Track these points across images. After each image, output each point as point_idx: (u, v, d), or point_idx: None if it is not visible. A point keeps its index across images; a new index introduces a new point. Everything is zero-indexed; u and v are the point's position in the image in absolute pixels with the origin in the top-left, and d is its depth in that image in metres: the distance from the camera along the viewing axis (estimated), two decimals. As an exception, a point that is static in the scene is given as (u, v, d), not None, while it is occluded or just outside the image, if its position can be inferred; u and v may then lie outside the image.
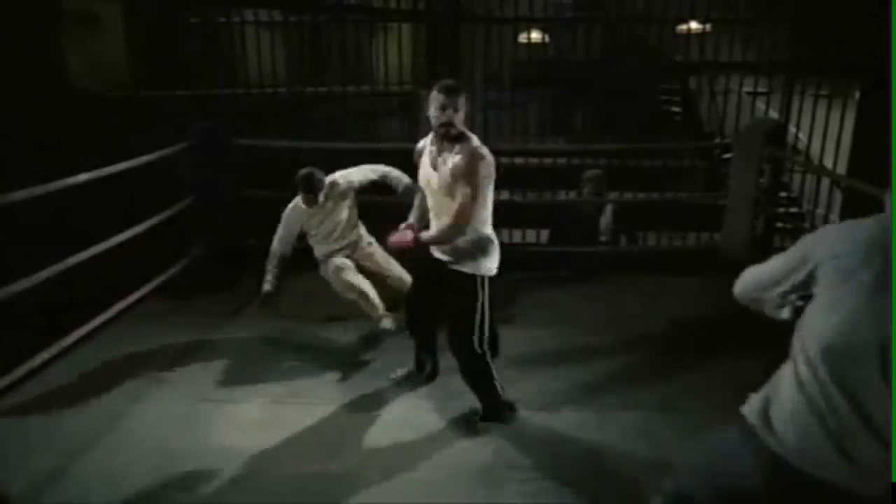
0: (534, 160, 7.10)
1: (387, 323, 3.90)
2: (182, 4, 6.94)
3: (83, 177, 3.71)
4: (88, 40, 8.07)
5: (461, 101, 2.88)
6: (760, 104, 7.11)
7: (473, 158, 2.86)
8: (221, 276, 4.42)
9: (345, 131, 7.22)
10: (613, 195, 5.78)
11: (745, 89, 6.32)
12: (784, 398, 1.62)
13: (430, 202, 3.10)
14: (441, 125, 2.89)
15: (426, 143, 3.09)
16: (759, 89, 6.90)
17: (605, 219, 5.57)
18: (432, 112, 2.90)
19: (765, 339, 4.45)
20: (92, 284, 4.05)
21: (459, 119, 2.90)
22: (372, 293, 3.94)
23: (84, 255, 3.75)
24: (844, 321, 1.46)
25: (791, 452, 1.55)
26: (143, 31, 8.21)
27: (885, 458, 1.46)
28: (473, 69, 7.22)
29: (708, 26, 6.91)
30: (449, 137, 2.92)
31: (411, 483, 2.83)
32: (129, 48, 8.54)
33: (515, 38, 7.38)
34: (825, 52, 6.06)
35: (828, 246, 1.54)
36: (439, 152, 2.98)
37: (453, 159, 2.90)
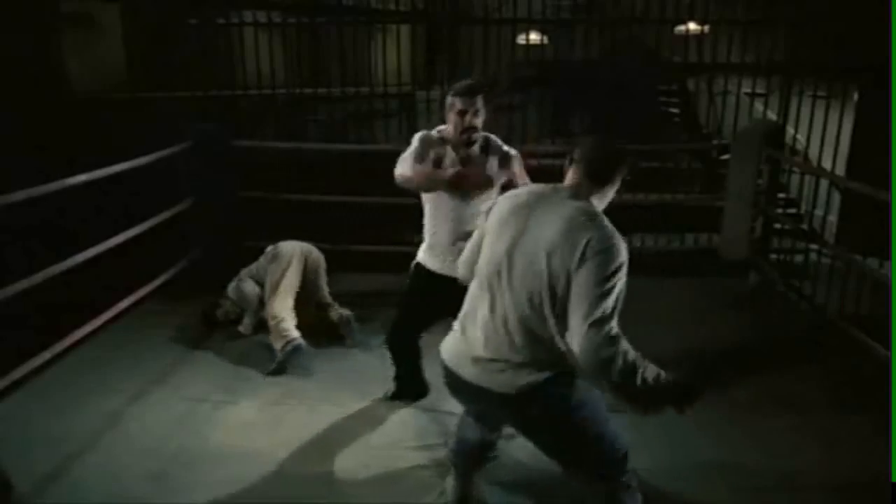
0: (532, 161, 7.09)
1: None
2: (181, 6, 6.94)
3: (83, 178, 3.71)
4: (88, 42, 8.09)
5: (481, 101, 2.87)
6: (759, 105, 7.13)
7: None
8: (221, 277, 4.42)
9: (344, 132, 7.23)
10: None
11: (744, 90, 6.33)
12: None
13: (453, 204, 2.98)
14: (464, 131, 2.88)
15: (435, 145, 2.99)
16: (758, 90, 6.91)
17: None
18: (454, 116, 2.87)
19: (763, 339, 4.47)
20: (92, 285, 4.05)
21: (481, 122, 2.91)
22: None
23: (84, 255, 3.74)
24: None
25: (450, 359, 2.15)
26: (143, 32, 8.22)
27: (501, 361, 2.01)
28: (472, 70, 7.23)
29: (706, 27, 6.92)
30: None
31: (411, 483, 2.84)
32: (129, 49, 8.56)
33: (514, 39, 7.39)
34: (823, 53, 6.07)
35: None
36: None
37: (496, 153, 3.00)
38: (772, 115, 6.80)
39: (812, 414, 3.38)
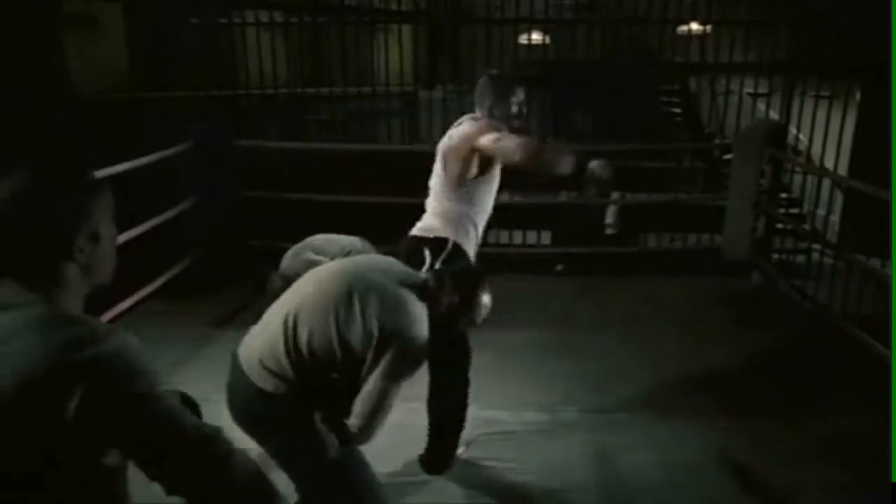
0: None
1: None
2: (183, 6, 6.95)
3: (85, 177, 3.71)
4: (89, 42, 8.08)
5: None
6: (761, 105, 7.12)
7: None
8: (222, 277, 4.42)
9: (346, 132, 7.24)
10: (615, 195, 5.80)
11: (746, 90, 6.32)
12: None
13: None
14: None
15: None
16: (760, 90, 6.90)
17: (612, 211, 5.60)
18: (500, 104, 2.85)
19: (765, 339, 4.46)
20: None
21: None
22: None
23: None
24: None
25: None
26: (144, 32, 8.22)
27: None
28: (473, 70, 7.22)
29: (708, 27, 6.92)
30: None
31: (410, 483, 2.84)
32: (130, 49, 8.56)
33: (516, 39, 7.39)
34: (825, 53, 6.07)
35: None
36: None
37: None
38: (774, 115, 6.79)
39: (813, 414, 3.38)
